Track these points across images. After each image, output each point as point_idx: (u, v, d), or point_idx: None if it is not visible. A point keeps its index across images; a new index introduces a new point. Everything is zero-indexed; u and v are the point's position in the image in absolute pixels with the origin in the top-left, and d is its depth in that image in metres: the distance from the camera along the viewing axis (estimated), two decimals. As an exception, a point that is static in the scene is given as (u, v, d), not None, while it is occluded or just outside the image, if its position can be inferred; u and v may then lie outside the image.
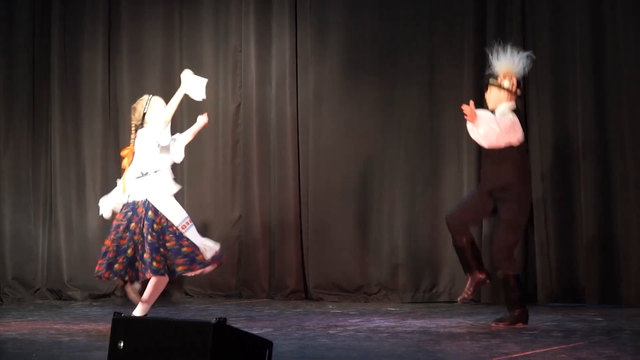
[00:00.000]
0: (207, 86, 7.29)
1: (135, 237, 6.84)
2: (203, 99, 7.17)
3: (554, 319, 7.37)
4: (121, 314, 4.73)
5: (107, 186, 9.75)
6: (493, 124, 6.85)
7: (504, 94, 7.02)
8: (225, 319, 4.35)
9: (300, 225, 9.45)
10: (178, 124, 9.80)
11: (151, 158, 6.97)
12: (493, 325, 7.00)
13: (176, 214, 6.93)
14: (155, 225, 6.82)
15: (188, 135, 7.40)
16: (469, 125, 6.95)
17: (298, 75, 9.48)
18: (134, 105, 7.19)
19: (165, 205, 6.92)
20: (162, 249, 6.81)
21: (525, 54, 7.14)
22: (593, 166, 8.44)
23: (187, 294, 9.70)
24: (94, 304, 9.19)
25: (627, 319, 7.33)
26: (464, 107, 6.82)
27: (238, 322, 7.16)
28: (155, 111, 7.04)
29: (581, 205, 8.45)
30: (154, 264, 6.76)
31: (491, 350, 5.64)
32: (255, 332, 5.71)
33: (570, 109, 8.54)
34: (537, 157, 8.58)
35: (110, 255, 6.87)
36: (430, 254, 8.97)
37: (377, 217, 9.15)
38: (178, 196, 7.12)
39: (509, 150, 6.92)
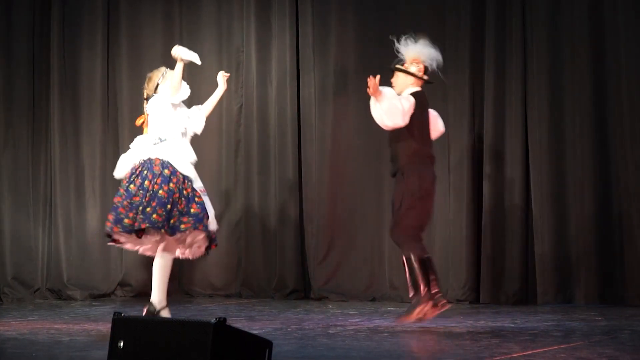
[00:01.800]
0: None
1: (148, 195, 6.84)
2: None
3: (554, 319, 7.37)
4: (121, 313, 4.73)
5: (107, 186, 9.77)
6: (396, 101, 6.88)
7: (410, 79, 7.06)
8: (225, 319, 4.35)
9: (301, 225, 9.45)
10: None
11: (167, 122, 7.01)
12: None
13: (196, 178, 7.00)
14: (171, 184, 6.85)
15: (209, 103, 7.41)
16: (372, 102, 6.95)
17: (299, 75, 9.49)
18: (150, 74, 7.27)
19: (188, 168, 6.98)
20: (168, 206, 6.81)
21: (436, 47, 7.14)
22: (591, 165, 8.44)
23: (187, 294, 9.70)
24: (94, 303, 9.19)
25: (627, 319, 7.33)
26: (369, 80, 6.83)
27: (238, 322, 7.16)
28: (169, 81, 7.10)
29: (580, 205, 8.45)
30: (154, 215, 6.77)
31: (491, 350, 5.64)
32: (255, 332, 5.71)
33: (568, 108, 8.54)
34: (535, 155, 8.59)
35: (120, 210, 6.86)
36: (430, 254, 8.95)
37: (377, 216, 9.14)
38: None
39: (406, 132, 6.94)
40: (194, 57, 7.11)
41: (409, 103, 6.93)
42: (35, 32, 9.67)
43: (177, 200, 6.85)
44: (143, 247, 7.13)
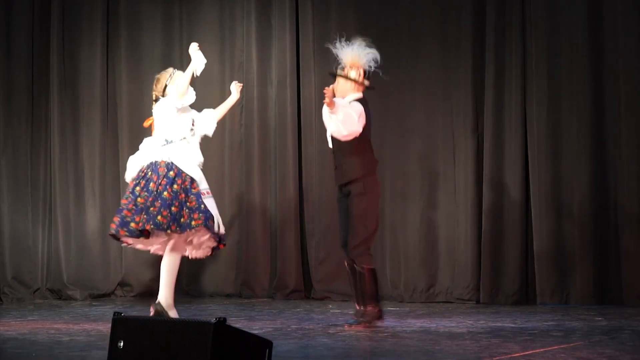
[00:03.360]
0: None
1: (151, 197, 6.86)
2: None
3: (553, 319, 7.37)
4: (121, 313, 4.73)
5: (106, 186, 9.78)
6: (349, 109, 6.87)
7: (350, 85, 7.04)
8: (225, 319, 4.35)
9: (301, 225, 9.45)
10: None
11: (174, 125, 7.04)
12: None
13: (201, 180, 7.01)
14: (175, 186, 6.88)
15: (221, 109, 7.47)
16: (326, 114, 6.95)
17: (300, 75, 9.50)
18: (157, 76, 7.28)
19: (194, 169, 7.00)
20: (173, 208, 6.82)
21: (372, 48, 7.10)
22: (590, 165, 8.45)
23: (187, 293, 9.70)
24: (94, 303, 9.19)
25: (627, 318, 7.33)
26: (326, 91, 6.81)
27: (238, 322, 7.16)
28: (177, 83, 7.11)
29: (579, 205, 8.45)
30: (159, 217, 6.80)
31: (491, 350, 5.64)
32: (255, 332, 5.71)
33: (567, 108, 8.55)
34: (534, 154, 8.60)
35: (126, 213, 6.87)
36: (428, 253, 8.97)
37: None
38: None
39: (356, 142, 6.93)
40: (198, 66, 7.09)
41: (360, 110, 6.91)
42: (34, 32, 9.66)
43: (185, 199, 6.89)
44: (154, 248, 7.17)
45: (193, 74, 7.07)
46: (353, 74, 7.04)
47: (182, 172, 6.95)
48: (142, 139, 9.82)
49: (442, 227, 8.95)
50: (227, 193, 9.74)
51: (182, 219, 6.86)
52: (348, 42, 7.09)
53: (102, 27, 9.85)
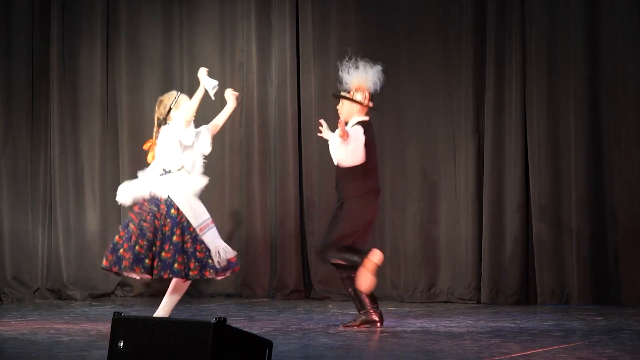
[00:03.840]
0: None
1: (158, 235, 6.72)
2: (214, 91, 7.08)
3: (553, 319, 7.37)
4: (121, 313, 4.73)
5: (106, 186, 9.78)
6: (358, 141, 6.89)
7: (356, 107, 7.04)
8: (225, 319, 4.35)
9: (301, 224, 9.45)
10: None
11: (174, 156, 6.89)
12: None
13: (196, 215, 6.82)
14: (180, 227, 6.73)
15: (218, 120, 7.22)
16: (334, 143, 6.94)
17: (299, 75, 9.49)
18: (161, 98, 7.06)
19: (186, 204, 6.82)
20: (184, 255, 6.71)
21: (378, 68, 7.07)
22: (590, 165, 8.45)
23: (187, 293, 9.67)
24: (94, 303, 9.19)
25: (626, 318, 7.33)
26: (341, 125, 6.82)
27: (238, 322, 7.16)
28: (182, 108, 6.92)
29: (579, 204, 8.45)
30: (176, 265, 6.69)
31: (491, 350, 5.64)
32: (255, 332, 5.71)
33: (567, 108, 8.56)
34: (534, 155, 8.61)
35: (139, 250, 6.69)
36: (429, 253, 8.98)
37: (378, 216, 9.14)
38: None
39: (353, 168, 6.94)
40: (210, 90, 7.01)
41: (363, 138, 6.91)
42: (34, 32, 9.66)
43: (186, 241, 6.76)
44: (143, 277, 7.03)
45: (202, 98, 6.94)
46: (359, 96, 7.04)
47: (179, 208, 6.79)
48: (142, 140, 9.85)
49: (443, 227, 8.95)
50: (227, 193, 9.74)
51: (175, 265, 6.70)
52: (354, 64, 7.07)
53: (102, 27, 9.85)
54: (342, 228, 6.92)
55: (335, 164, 7.07)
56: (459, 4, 8.94)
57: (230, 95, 7.22)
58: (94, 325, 7.24)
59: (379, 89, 7.12)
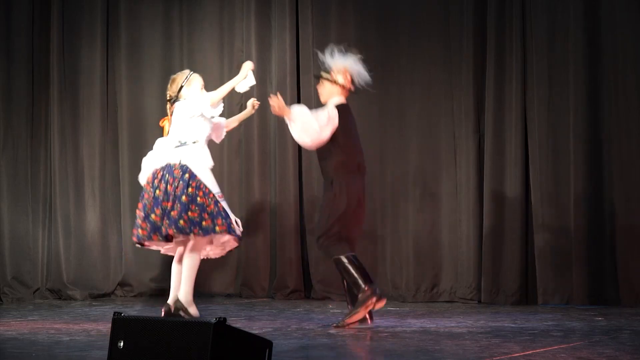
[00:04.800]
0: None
1: (171, 198, 6.96)
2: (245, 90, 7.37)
3: (554, 318, 7.37)
4: (121, 313, 4.73)
5: (106, 186, 9.77)
6: (308, 117, 6.92)
7: (336, 89, 7.08)
8: (225, 319, 4.35)
9: (301, 224, 9.45)
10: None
11: (189, 129, 7.12)
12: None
13: (213, 184, 7.11)
14: (190, 189, 6.97)
15: (233, 121, 7.65)
16: (287, 122, 7.04)
17: (299, 75, 9.49)
18: (173, 76, 7.37)
19: (205, 173, 7.09)
20: (190, 213, 6.93)
21: (359, 56, 7.12)
22: (590, 165, 8.45)
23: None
24: (94, 303, 9.19)
25: (626, 318, 7.33)
26: (271, 99, 6.94)
27: (238, 322, 7.16)
28: (193, 86, 7.25)
29: (579, 204, 8.45)
30: (181, 222, 6.91)
31: (491, 350, 5.64)
32: (255, 332, 5.71)
33: (567, 108, 8.55)
34: (534, 155, 8.60)
35: (155, 219, 6.97)
36: (430, 253, 8.98)
37: (378, 216, 9.15)
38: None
39: (327, 147, 6.97)
40: (243, 84, 7.29)
41: (330, 115, 6.92)
42: (34, 32, 9.66)
43: (203, 203, 6.99)
44: (165, 247, 7.28)
45: (234, 88, 7.23)
46: (340, 78, 7.08)
47: (196, 175, 7.03)
48: (142, 140, 9.87)
49: (444, 227, 8.95)
50: (227, 193, 9.73)
51: (203, 222, 6.95)
52: (339, 49, 7.11)
53: (102, 27, 9.85)
54: (326, 213, 6.92)
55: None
56: (459, 3, 8.93)
57: (251, 104, 7.57)
58: (94, 325, 7.24)
59: (362, 82, 7.11)
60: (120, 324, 4.69)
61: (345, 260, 6.86)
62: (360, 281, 6.81)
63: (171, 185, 6.98)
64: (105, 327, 6.44)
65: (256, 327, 6.89)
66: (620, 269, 8.31)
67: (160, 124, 7.46)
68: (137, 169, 9.80)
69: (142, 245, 7.21)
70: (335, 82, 7.09)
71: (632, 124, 8.35)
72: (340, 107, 7.04)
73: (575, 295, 8.41)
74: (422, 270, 8.98)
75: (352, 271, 6.85)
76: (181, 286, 7.12)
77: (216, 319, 4.35)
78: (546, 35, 8.62)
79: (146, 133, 9.86)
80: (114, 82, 9.91)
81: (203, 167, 7.12)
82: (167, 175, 7.04)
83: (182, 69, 9.88)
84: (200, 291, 9.71)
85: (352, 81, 7.11)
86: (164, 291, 9.74)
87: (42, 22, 9.71)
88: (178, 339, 4.45)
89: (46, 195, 9.68)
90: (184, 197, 6.93)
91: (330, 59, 7.12)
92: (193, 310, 7.11)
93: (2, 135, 9.50)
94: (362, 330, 6.80)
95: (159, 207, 6.97)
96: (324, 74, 7.14)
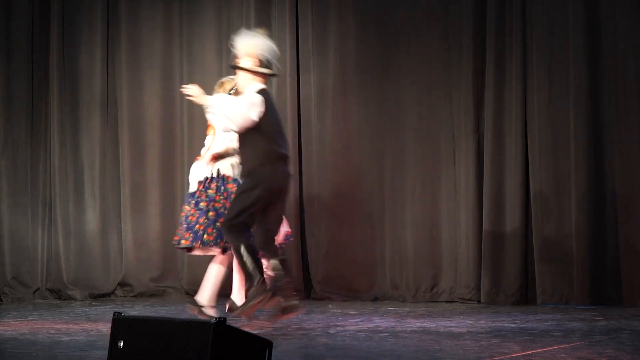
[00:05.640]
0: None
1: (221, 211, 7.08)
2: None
3: (554, 319, 7.37)
4: (121, 313, 4.73)
5: (106, 186, 9.77)
6: (229, 101, 6.72)
7: (249, 75, 6.84)
8: (225, 319, 4.35)
9: (301, 224, 9.45)
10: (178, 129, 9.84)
11: (234, 139, 7.05)
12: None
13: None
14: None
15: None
16: (206, 110, 6.82)
17: (299, 75, 9.49)
18: (222, 80, 7.37)
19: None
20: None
21: (263, 33, 6.94)
22: (590, 165, 8.45)
23: (187, 293, 9.70)
24: (94, 303, 9.19)
25: (626, 318, 7.33)
26: (185, 88, 6.79)
27: (238, 322, 7.15)
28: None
29: (579, 204, 8.45)
30: (205, 236, 7.11)
31: (491, 350, 5.64)
32: (255, 332, 5.71)
33: (567, 108, 8.55)
34: (534, 154, 8.60)
35: (198, 227, 7.10)
36: (430, 253, 8.98)
37: (378, 216, 9.15)
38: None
39: (251, 134, 6.72)
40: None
41: (251, 100, 6.70)
42: (34, 32, 9.66)
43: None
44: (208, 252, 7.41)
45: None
46: (246, 62, 6.83)
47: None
48: (143, 140, 9.88)
49: (443, 226, 8.94)
50: (227, 193, 9.73)
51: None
52: (246, 32, 6.95)
53: (102, 27, 9.85)
54: (237, 203, 6.75)
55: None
56: (459, 3, 8.93)
57: None
58: (94, 325, 7.24)
59: (271, 58, 6.90)
60: (120, 324, 4.69)
61: (243, 249, 6.67)
62: (253, 274, 6.65)
63: (226, 200, 7.11)
64: (105, 327, 6.43)
65: (256, 327, 6.88)
66: (621, 269, 8.31)
67: (207, 132, 7.38)
68: (137, 169, 9.87)
69: (189, 250, 7.35)
70: (242, 68, 6.82)
71: (632, 124, 8.34)
72: (261, 92, 6.79)
73: (575, 295, 8.41)
74: (421, 270, 8.98)
75: (248, 262, 6.67)
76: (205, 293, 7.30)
77: (216, 319, 4.35)
78: (546, 35, 8.62)
79: (146, 133, 9.86)
80: (114, 82, 9.90)
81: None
82: (222, 187, 7.17)
83: (182, 69, 9.93)
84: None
85: (263, 64, 6.86)
86: (164, 291, 9.77)
87: (42, 22, 9.71)
88: (178, 339, 4.45)
89: (46, 195, 9.68)
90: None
91: (236, 43, 6.88)
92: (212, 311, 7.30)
93: (2, 135, 9.50)
94: (362, 330, 6.80)
95: (205, 217, 7.12)
96: (232, 63, 6.93)
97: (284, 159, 6.87)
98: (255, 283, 6.67)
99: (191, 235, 7.12)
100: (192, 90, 6.81)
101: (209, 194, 7.14)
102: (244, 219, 6.75)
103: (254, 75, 6.85)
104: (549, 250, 8.51)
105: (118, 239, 9.81)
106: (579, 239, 8.43)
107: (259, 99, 6.73)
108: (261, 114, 6.70)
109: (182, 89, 6.95)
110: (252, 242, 6.76)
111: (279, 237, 7.20)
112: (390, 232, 9.12)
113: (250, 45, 6.86)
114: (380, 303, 8.86)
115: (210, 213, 7.10)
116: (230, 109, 6.65)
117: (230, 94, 7.10)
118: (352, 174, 9.25)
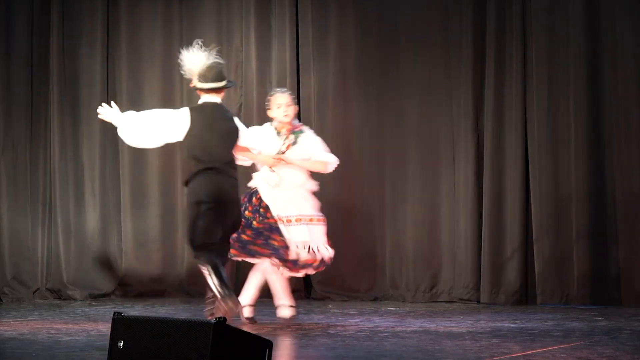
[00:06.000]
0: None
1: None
2: None
3: (554, 319, 7.37)
4: (121, 313, 4.73)
5: (106, 186, 9.77)
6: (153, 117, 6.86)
7: (201, 92, 6.96)
8: (225, 319, 4.35)
9: (301, 225, 9.45)
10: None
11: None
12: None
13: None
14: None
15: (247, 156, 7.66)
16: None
17: (299, 75, 9.49)
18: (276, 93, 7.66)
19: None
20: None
21: (202, 51, 6.99)
22: (590, 165, 8.46)
23: (187, 294, 9.70)
24: (94, 303, 9.19)
25: (626, 318, 7.34)
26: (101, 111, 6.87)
27: (238, 322, 7.15)
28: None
29: (579, 204, 8.46)
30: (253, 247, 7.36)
31: (491, 350, 5.64)
32: (255, 332, 5.71)
33: (567, 108, 8.56)
34: (534, 154, 8.61)
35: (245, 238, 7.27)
36: (429, 253, 8.98)
37: (378, 216, 9.15)
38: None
39: (183, 144, 6.86)
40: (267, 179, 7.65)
41: (173, 118, 6.77)
42: (34, 32, 9.65)
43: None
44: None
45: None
46: (194, 81, 6.96)
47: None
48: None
49: (443, 227, 8.95)
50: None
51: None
52: (191, 48, 7.00)
53: (102, 26, 9.84)
54: (187, 223, 6.83)
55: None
56: (459, 3, 8.94)
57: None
58: (94, 325, 7.24)
59: (194, 71, 6.93)
60: (120, 324, 4.69)
61: (205, 271, 6.69)
62: (216, 292, 6.64)
63: (250, 213, 7.38)
64: (105, 327, 6.42)
65: (256, 327, 6.89)
66: (621, 268, 8.31)
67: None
68: (138, 169, 9.86)
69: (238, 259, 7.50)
70: (196, 87, 6.96)
71: (632, 124, 8.35)
72: (193, 108, 6.89)
73: (575, 295, 8.41)
74: (421, 270, 8.98)
75: (210, 282, 6.67)
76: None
77: (216, 319, 4.35)
78: (546, 34, 8.62)
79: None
80: (114, 82, 9.90)
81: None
82: (253, 199, 7.47)
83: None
84: (201, 291, 9.72)
85: (204, 78, 6.91)
86: (164, 291, 9.77)
87: (42, 22, 9.71)
88: (178, 339, 4.45)
89: (46, 196, 9.68)
90: (255, 223, 7.36)
91: (183, 63, 6.99)
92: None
93: (2, 136, 9.49)
94: (362, 330, 6.80)
95: (249, 227, 7.32)
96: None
97: (215, 168, 6.88)
98: (219, 299, 6.66)
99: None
100: (106, 113, 6.90)
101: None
102: (200, 242, 6.73)
103: (199, 92, 7.00)
104: (548, 250, 8.52)
105: (118, 239, 9.81)
106: (579, 239, 8.43)
107: (182, 115, 6.82)
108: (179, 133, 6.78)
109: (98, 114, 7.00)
110: (216, 262, 6.73)
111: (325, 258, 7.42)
112: (390, 232, 9.12)
113: (187, 64, 6.99)
114: (380, 303, 8.86)
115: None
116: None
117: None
118: (352, 174, 9.25)
